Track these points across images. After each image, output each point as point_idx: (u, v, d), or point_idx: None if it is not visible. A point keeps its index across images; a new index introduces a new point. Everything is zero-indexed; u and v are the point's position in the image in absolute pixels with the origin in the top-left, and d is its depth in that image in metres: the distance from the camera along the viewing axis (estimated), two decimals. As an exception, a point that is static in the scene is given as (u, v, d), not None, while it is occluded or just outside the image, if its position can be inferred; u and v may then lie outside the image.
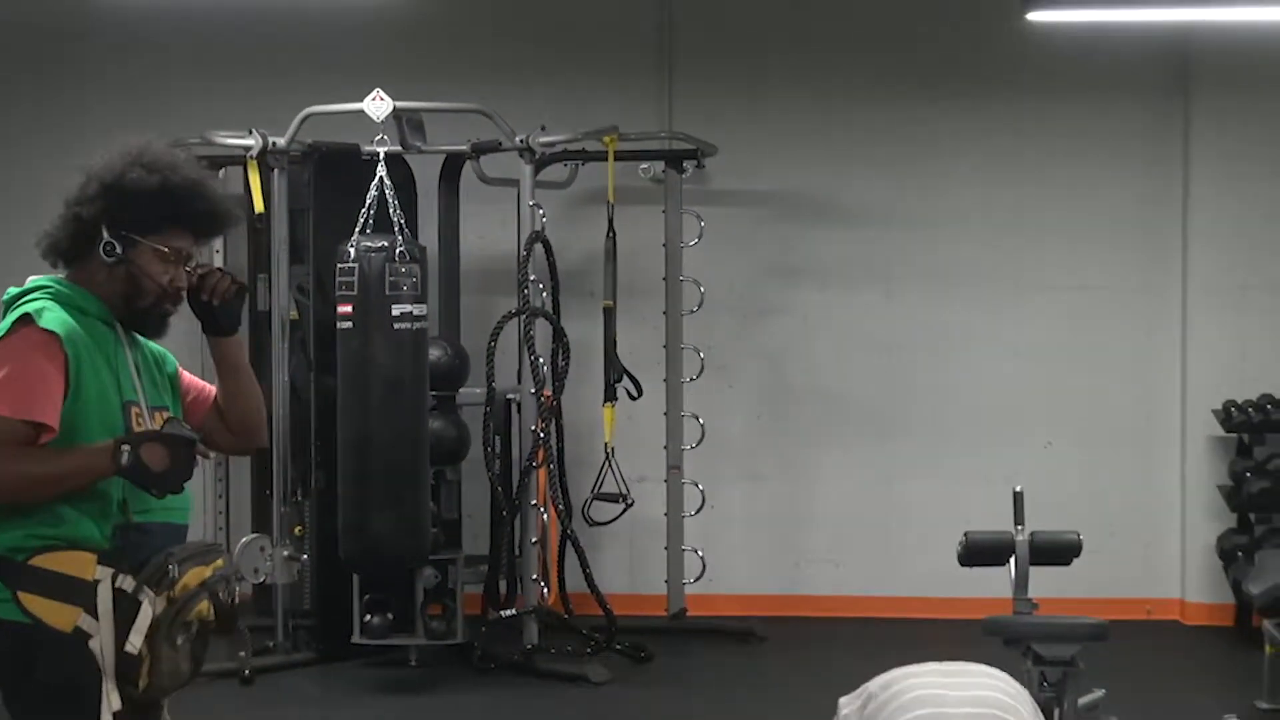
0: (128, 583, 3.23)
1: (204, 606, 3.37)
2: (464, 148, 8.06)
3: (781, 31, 8.89)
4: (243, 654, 7.51)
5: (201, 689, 7.05)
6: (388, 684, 7.63)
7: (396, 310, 7.33)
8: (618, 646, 7.99)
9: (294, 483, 8.20)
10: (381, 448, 7.49)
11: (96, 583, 3.23)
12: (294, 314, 8.10)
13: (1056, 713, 5.86)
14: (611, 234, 8.20)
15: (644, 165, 8.33)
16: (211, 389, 3.72)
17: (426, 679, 7.66)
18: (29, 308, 3.32)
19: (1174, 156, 8.84)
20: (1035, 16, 7.68)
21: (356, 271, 7.33)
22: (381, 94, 7.42)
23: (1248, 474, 8.36)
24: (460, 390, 8.12)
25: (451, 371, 8.03)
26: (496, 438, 7.99)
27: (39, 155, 8.94)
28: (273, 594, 8.09)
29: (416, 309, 7.43)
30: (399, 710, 7.41)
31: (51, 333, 3.25)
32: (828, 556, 8.98)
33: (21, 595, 3.23)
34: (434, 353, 7.78)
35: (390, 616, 7.70)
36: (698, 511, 8.47)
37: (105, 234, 3.32)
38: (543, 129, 7.79)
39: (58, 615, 3.25)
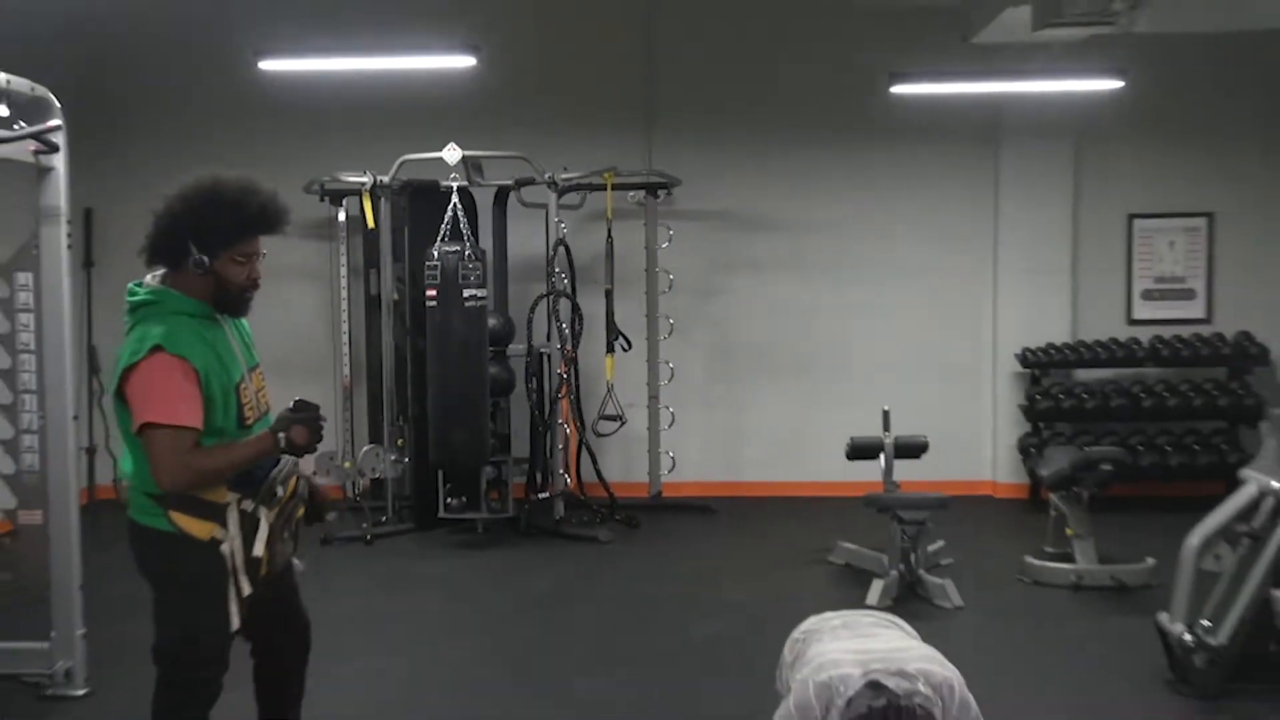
0: (248, 504, 3.31)
1: (300, 509, 3.52)
2: (509, 183, 8.25)
3: (728, 101, 8.90)
4: (365, 525, 7.83)
5: (338, 548, 7.49)
6: (462, 544, 7.76)
7: (466, 293, 7.49)
8: (616, 517, 8.24)
9: (397, 409, 8.28)
10: (456, 385, 7.60)
11: (227, 505, 3.28)
12: (396, 296, 8.21)
13: (913, 556, 6.28)
14: (610, 240, 8.32)
15: (631, 194, 8.43)
16: None
17: (488, 541, 7.78)
18: (158, 337, 3.20)
19: (988, 183, 8.95)
20: (896, 89, 7.87)
21: (439, 268, 7.48)
22: (454, 145, 7.56)
23: (1037, 396, 8.65)
24: (509, 346, 8.23)
25: (503, 334, 8.14)
26: (534, 378, 8.13)
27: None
28: (384, 485, 8.27)
29: (479, 292, 7.55)
30: (470, 561, 7.44)
31: (183, 358, 3.19)
32: (758, 456, 9.10)
33: (171, 513, 3.26)
34: (491, 321, 7.86)
35: (464, 499, 7.91)
36: (669, 427, 8.56)
37: (194, 251, 3.25)
38: (564, 169, 8.01)
39: (198, 528, 3.26)
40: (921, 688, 3.01)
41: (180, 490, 3.21)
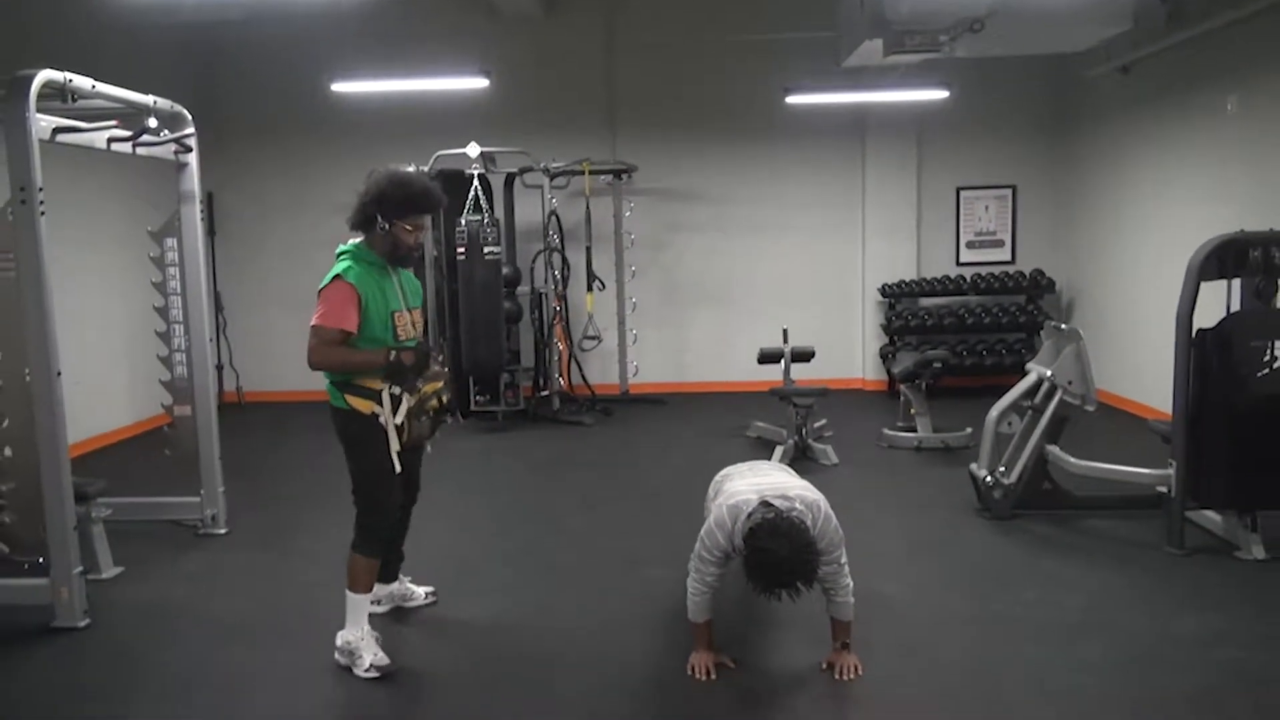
0: (395, 390, 3.41)
1: (433, 403, 3.56)
2: (515, 170, 8.19)
3: (670, 110, 8.81)
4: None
5: None
6: (487, 429, 7.72)
7: (486, 250, 7.41)
8: (597, 408, 8.27)
9: (437, 333, 8.23)
10: (480, 316, 7.55)
11: (380, 391, 3.40)
12: (435, 253, 8.10)
13: (804, 430, 6.36)
14: (588, 210, 8.34)
15: (603, 177, 8.43)
16: None
17: (506, 426, 7.75)
18: (340, 269, 3.40)
19: (856, 166, 8.95)
20: (790, 100, 7.84)
21: (466, 232, 7.41)
22: (475, 143, 7.46)
23: (892, 318, 8.71)
24: (518, 288, 8.24)
25: (514, 279, 8.18)
26: (535, 310, 8.17)
27: (303, 187, 8.94)
28: None
29: (495, 249, 7.48)
30: (493, 440, 7.38)
31: (350, 283, 3.37)
32: (696, 362, 9.09)
33: (347, 396, 3.43)
34: (505, 270, 7.86)
35: (488, 397, 7.97)
36: (633, 343, 8.60)
37: (380, 219, 3.42)
38: (553, 160, 7.97)
39: (364, 405, 3.41)
40: (798, 505, 3.18)
41: (315, 367, 3.40)
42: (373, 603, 3.84)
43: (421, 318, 3.69)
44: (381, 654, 3.47)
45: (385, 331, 3.46)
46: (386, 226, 3.43)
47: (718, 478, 3.71)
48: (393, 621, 3.93)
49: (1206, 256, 4.37)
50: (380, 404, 3.40)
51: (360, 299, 3.39)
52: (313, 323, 3.39)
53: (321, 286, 3.42)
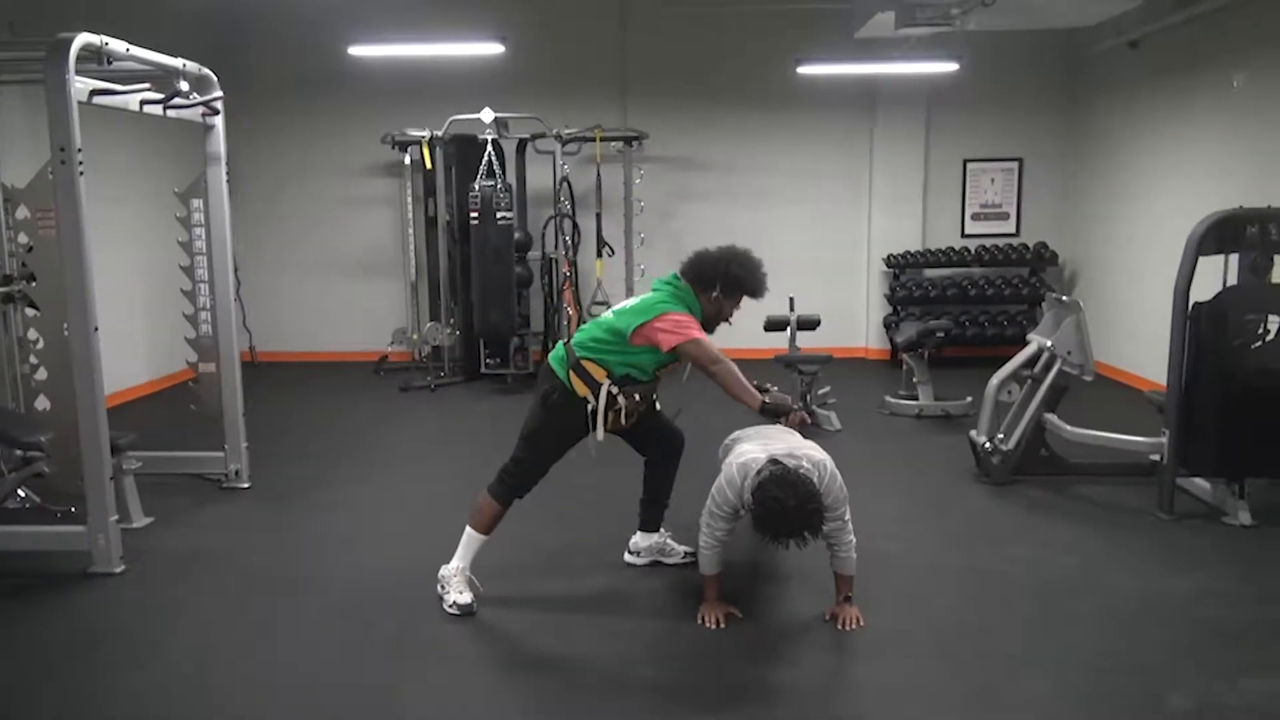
0: (614, 389, 3.57)
1: (642, 407, 3.71)
2: (527, 136, 8.23)
3: (682, 78, 8.83)
4: (430, 378, 7.89)
5: (413, 394, 7.63)
6: (497, 391, 7.80)
7: (498, 215, 7.48)
8: None
9: (449, 297, 8.40)
10: (492, 280, 7.61)
11: (601, 384, 3.56)
12: (448, 218, 8.27)
13: (809, 396, 6.42)
14: (598, 177, 8.33)
15: (613, 144, 8.38)
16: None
17: (514, 389, 7.76)
18: (684, 309, 3.55)
19: (865, 137, 8.98)
20: (801, 70, 7.77)
21: (479, 197, 7.45)
22: (489, 109, 7.51)
23: (897, 288, 8.77)
24: (529, 253, 8.27)
25: (525, 244, 8.20)
26: (546, 276, 8.21)
27: (318, 150, 9.01)
28: (442, 350, 8.28)
29: (507, 214, 7.53)
30: (503, 402, 7.40)
31: (694, 315, 3.56)
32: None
33: (572, 373, 3.59)
34: (517, 235, 7.88)
35: (498, 359, 8.08)
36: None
37: (718, 288, 3.60)
38: (566, 126, 8.01)
39: (581, 388, 3.58)
40: (805, 463, 3.34)
41: (719, 374, 3.52)
42: (632, 553, 4.12)
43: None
44: (468, 594, 3.64)
45: (658, 366, 3.62)
46: (718, 295, 3.61)
47: (727, 441, 3.84)
48: (404, 563, 4.07)
49: (1205, 232, 4.48)
50: (596, 395, 3.56)
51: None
52: (691, 338, 3.48)
53: (665, 311, 3.51)
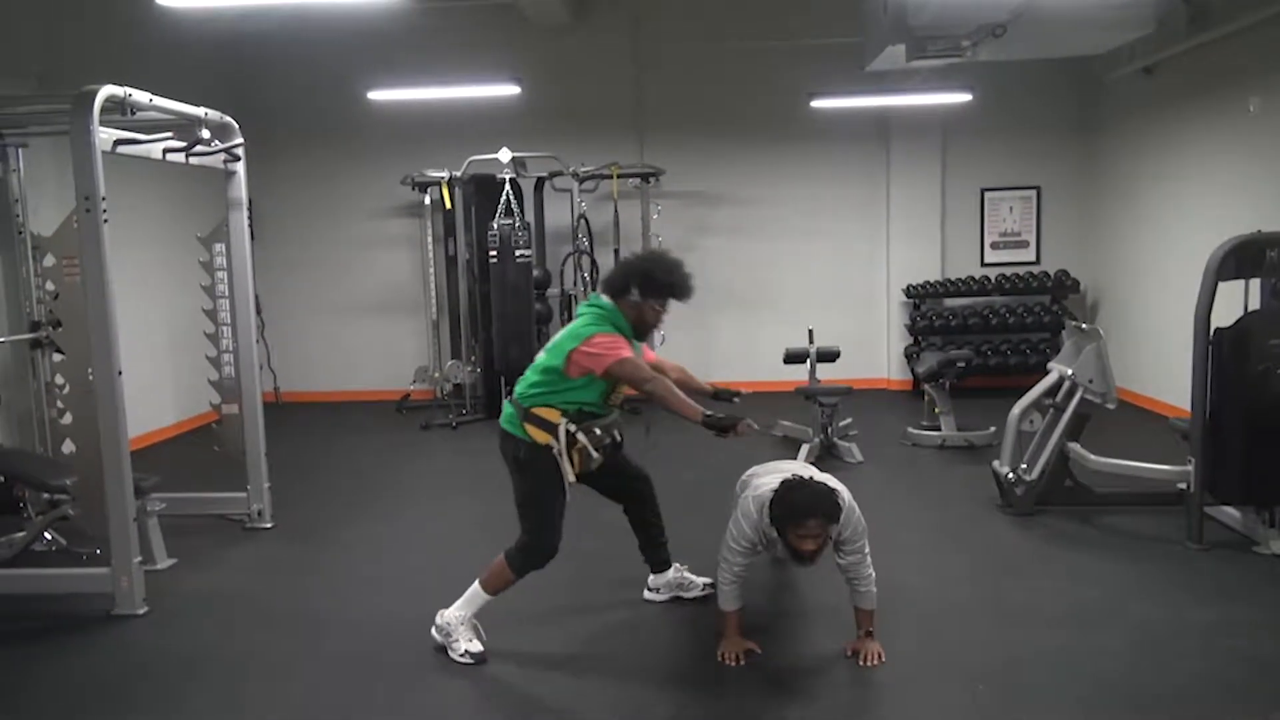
0: (571, 427, 3.45)
1: (607, 440, 3.56)
2: (545, 174, 8.31)
3: (696, 114, 8.89)
4: (451, 416, 7.88)
5: (435, 432, 7.66)
6: None
7: (517, 253, 7.58)
8: (625, 407, 8.05)
9: (470, 335, 8.40)
10: (512, 317, 7.67)
11: (558, 425, 3.45)
12: (467, 256, 8.32)
13: (829, 428, 6.41)
14: (616, 213, 8.38)
15: (632, 180, 8.41)
16: (652, 356, 3.73)
17: None
18: (610, 328, 3.44)
19: (881, 168, 9.00)
20: (815, 104, 7.91)
21: (498, 235, 7.55)
22: (506, 149, 7.62)
23: (917, 318, 8.74)
24: (548, 290, 8.31)
25: (544, 281, 8.25)
26: (565, 312, 8.25)
27: (340, 193, 9.12)
28: (464, 388, 8.37)
29: (526, 252, 7.61)
30: None
31: (623, 335, 3.46)
32: (723, 362, 8.97)
33: (527, 426, 3.47)
34: (535, 272, 7.94)
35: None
36: (661, 344, 8.16)
37: (636, 294, 3.48)
38: (582, 164, 8.10)
39: (540, 436, 3.45)
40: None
41: (652, 394, 3.40)
42: (651, 589, 4.07)
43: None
44: (478, 643, 3.58)
45: (604, 394, 3.53)
46: (639, 300, 3.50)
47: (744, 477, 3.83)
48: (427, 604, 4.07)
49: (1224, 256, 4.45)
50: (556, 437, 3.45)
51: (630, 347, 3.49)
52: (618, 359, 3.38)
53: (593, 333, 3.42)
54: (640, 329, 3.58)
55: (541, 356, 3.57)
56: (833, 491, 3.25)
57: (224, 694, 3.44)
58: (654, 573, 4.08)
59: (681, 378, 3.77)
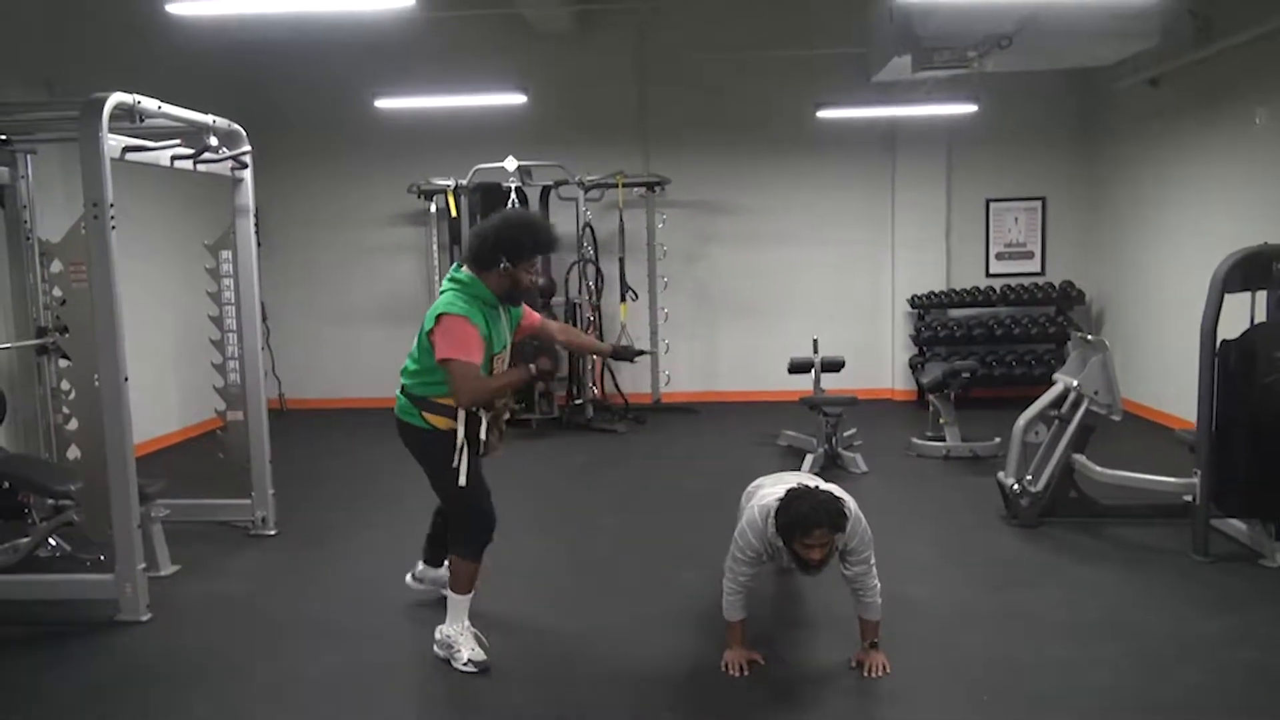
0: (473, 409, 3.43)
1: (506, 417, 3.62)
2: (551, 183, 8.29)
3: (702, 123, 8.87)
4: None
5: None
6: (523, 435, 7.67)
7: None
8: (629, 416, 8.31)
9: None
10: None
11: (457, 409, 3.42)
12: None
13: (833, 439, 6.38)
14: (621, 223, 8.41)
15: (637, 189, 8.44)
16: (536, 318, 3.75)
17: (541, 433, 7.85)
18: (462, 307, 3.35)
19: (887, 178, 8.98)
20: (821, 114, 7.87)
21: None
22: (512, 157, 7.70)
23: (921, 328, 8.74)
24: (553, 298, 8.28)
25: (549, 289, 8.21)
26: (570, 321, 8.17)
27: (347, 201, 9.12)
28: None
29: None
30: (529, 447, 7.36)
31: (475, 326, 3.36)
32: (727, 372, 9.13)
33: (425, 414, 3.49)
34: (540, 280, 7.75)
35: (523, 405, 7.92)
36: (665, 353, 8.59)
37: (504, 261, 3.39)
38: (588, 174, 8.10)
39: (442, 422, 3.46)
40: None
41: (469, 404, 3.36)
42: (416, 579, 4.11)
43: (505, 359, 3.64)
44: (479, 649, 3.59)
45: (487, 369, 3.49)
46: (509, 267, 3.43)
47: (750, 488, 3.83)
48: (432, 609, 4.06)
49: (1230, 269, 4.45)
50: (457, 420, 3.44)
51: (482, 334, 3.41)
52: (450, 357, 3.33)
53: (443, 313, 3.37)
54: (516, 294, 3.53)
55: (413, 347, 3.55)
56: (839, 501, 3.26)
57: (227, 701, 3.44)
58: (427, 564, 4.11)
59: (569, 338, 3.79)
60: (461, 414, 3.43)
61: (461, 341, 3.35)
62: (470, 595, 3.66)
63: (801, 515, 3.20)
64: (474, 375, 3.36)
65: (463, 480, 3.46)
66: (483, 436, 3.48)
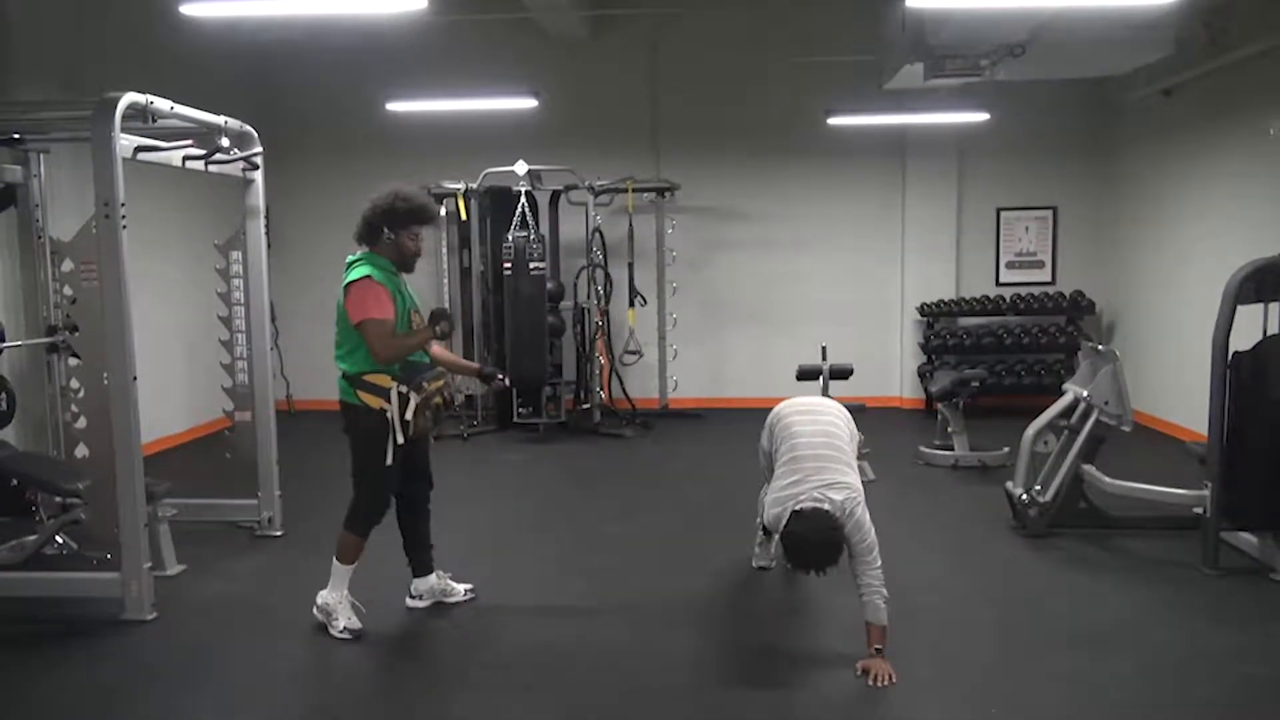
0: (403, 389, 3.65)
1: (438, 400, 3.78)
2: (560, 188, 8.33)
3: (712, 129, 8.91)
4: (462, 427, 7.93)
5: (445, 445, 7.68)
6: (529, 440, 7.80)
7: (531, 265, 7.62)
8: (636, 421, 8.33)
9: (483, 346, 8.47)
10: (525, 329, 7.73)
11: (390, 389, 3.65)
12: (482, 268, 8.38)
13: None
14: (630, 227, 8.41)
15: (647, 194, 8.52)
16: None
17: (547, 437, 7.85)
18: (363, 271, 3.64)
19: (897, 186, 8.99)
20: (831, 121, 7.94)
21: (513, 247, 7.61)
22: (522, 161, 7.67)
23: (931, 337, 8.73)
24: (561, 303, 8.32)
25: (557, 294, 8.25)
26: (578, 325, 8.31)
27: (357, 203, 9.32)
28: (475, 399, 8.38)
29: (540, 264, 7.65)
30: (535, 451, 7.47)
31: (380, 283, 3.63)
32: (734, 378, 9.14)
33: (360, 393, 3.69)
34: (549, 285, 7.94)
35: (530, 409, 8.06)
36: (673, 358, 8.72)
37: (386, 231, 3.70)
38: (598, 178, 8.09)
39: (374, 401, 3.66)
40: (826, 506, 3.40)
41: (389, 360, 3.61)
42: (414, 597, 4.13)
43: (418, 313, 3.90)
44: (355, 619, 3.82)
45: (405, 326, 3.75)
46: (393, 237, 3.72)
47: (773, 415, 4.04)
48: (432, 615, 4.10)
49: (1242, 280, 4.42)
50: (389, 400, 3.64)
51: (391, 294, 3.67)
52: (364, 318, 3.58)
53: (349, 282, 3.63)
54: (404, 261, 3.79)
55: (335, 328, 3.76)
56: (833, 547, 3.33)
57: (231, 701, 3.43)
58: (416, 576, 4.17)
59: (445, 358, 4.00)
60: (394, 394, 3.63)
61: (373, 300, 3.60)
62: (353, 566, 3.86)
63: (798, 555, 3.35)
64: (389, 332, 3.61)
65: (389, 460, 3.66)
66: (407, 417, 3.64)
